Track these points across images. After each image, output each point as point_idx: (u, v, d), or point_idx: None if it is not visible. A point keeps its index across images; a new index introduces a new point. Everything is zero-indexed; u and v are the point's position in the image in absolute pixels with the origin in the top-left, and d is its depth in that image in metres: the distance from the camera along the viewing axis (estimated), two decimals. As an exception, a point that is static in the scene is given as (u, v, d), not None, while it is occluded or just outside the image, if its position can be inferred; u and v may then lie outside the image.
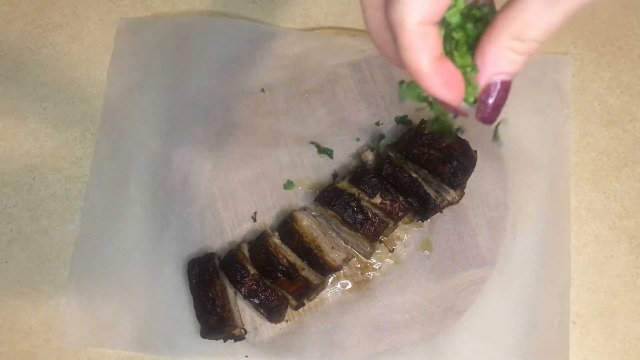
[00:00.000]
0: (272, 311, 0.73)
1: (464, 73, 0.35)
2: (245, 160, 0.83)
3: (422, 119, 0.77)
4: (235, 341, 0.75)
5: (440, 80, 0.33)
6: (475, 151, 0.77)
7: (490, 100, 0.34)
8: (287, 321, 0.77)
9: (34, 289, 0.80)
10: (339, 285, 0.79)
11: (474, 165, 0.76)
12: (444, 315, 0.77)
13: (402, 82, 0.38)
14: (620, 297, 0.78)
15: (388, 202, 0.74)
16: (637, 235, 0.80)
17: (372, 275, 0.79)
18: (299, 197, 0.82)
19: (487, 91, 0.34)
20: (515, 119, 0.84)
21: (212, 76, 0.87)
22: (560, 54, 0.87)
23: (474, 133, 0.80)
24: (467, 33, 0.35)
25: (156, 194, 0.83)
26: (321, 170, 0.83)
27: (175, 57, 0.88)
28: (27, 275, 0.81)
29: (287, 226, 0.76)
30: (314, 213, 0.78)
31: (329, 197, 0.75)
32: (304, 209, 0.79)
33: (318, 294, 0.78)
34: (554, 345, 0.76)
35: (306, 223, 0.75)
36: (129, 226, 0.82)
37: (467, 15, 0.35)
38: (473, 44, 0.35)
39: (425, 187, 0.75)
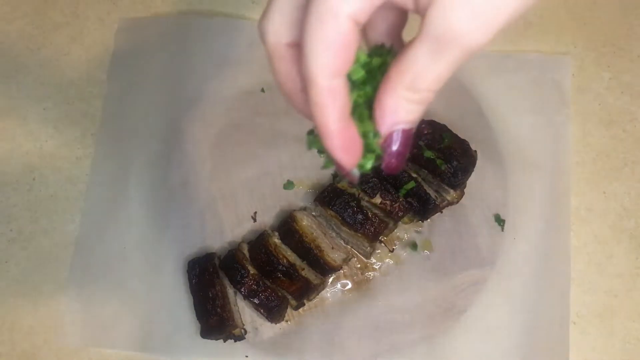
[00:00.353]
0: (272, 311, 0.73)
1: (366, 139, 0.35)
2: (245, 160, 0.83)
3: (422, 119, 0.77)
4: (235, 341, 0.75)
5: (341, 142, 0.33)
6: (475, 151, 0.77)
7: (394, 149, 0.35)
8: (287, 321, 0.77)
9: (34, 289, 0.80)
10: (339, 285, 0.79)
11: (474, 165, 0.76)
12: (444, 315, 0.77)
13: (310, 132, 0.39)
14: (620, 297, 0.78)
15: (388, 202, 0.74)
16: (637, 235, 0.80)
17: (372, 275, 0.79)
18: (299, 197, 0.82)
19: (389, 141, 0.34)
20: (515, 119, 0.84)
21: (212, 76, 0.87)
22: (560, 54, 0.87)
23: (474, 133, 0.80)
24: (366, 93, 0.35)
25: (156, 194, 0.83)
26: (321, 170, 0.83)
27: (175, 57, 0.88)
28: (27, 275, 0.81)
29: (287, 226, 0.76)
30: (314, 213, 0.78)
31: (329, 197, 0.75)
32: (304, 209, 0.79)
33: (318, 294, 0.78)
34: (554, 345, 0.76)
35: (306, 223, 0.75)
36: (129, 226, 0.82)
37: (370, 66, 0.35)
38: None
39: (425, 187, 0.75)
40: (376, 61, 0.35)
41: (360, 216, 0.73)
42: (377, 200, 0.74)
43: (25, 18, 0.91)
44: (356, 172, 0.36)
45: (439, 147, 0.74)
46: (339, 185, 0.76)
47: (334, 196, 0.74)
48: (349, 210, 0.73)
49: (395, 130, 0.34)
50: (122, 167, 0.84)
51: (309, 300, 0.77)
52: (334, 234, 0.77)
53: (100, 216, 0.82)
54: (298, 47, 0.34)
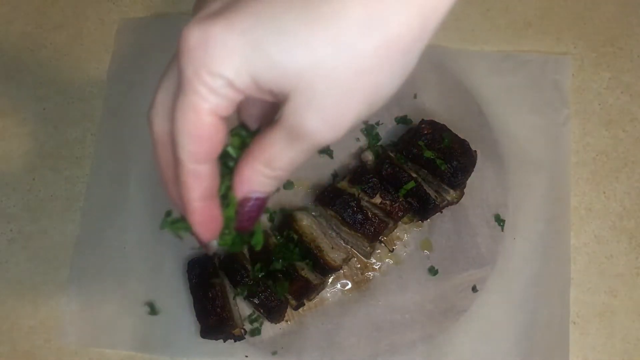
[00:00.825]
0: (272, 311, 0.73)
1: (227, 220, 0.38)
2: (245, 160, 0.83)
3: (422, 119, 0.77)
4: (235, 341, 0.75)
5: (200, 219, 0.37)
6: (475, 151, 0.77)
7: (245, 213, 0.38)
8: (287, 321, 0.77)
9: (34, 289, 0.80)
10: (339, 285, 0.79)
11: (474, 165, 0.76)
12: (444, 315, 0.77)
13: (168, 214, 0.43)
14: (620, 297, 0.78)
15: (388, 202, 0.74)
16: (637, 235, 0.80)
17: (372, 275, 0.79)
18: (299, 197, 0.82)
19: (243, 205, 0.38)
20: (515, 119, 0.84)
21: (212, 76, 0.86)
22: (560, 54, 0.87)
23: (474, 133, 0.80)
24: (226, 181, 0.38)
25: (156, 194, 0.83)
26: (321, 170, 0.83)
27: (175, 57, 0.88)
28: (27, 275, 0.81)
29: (287, 226, 0.76)
30: (314, 213, 0.78)
31: (329, 197, 0.75)
32: (304, 209, 0.79)
33: (318, 294, 0.78)
34: (554, 345, 0.76)
35: (306, 223, 0.75)
36: (129, 226, 0.82)
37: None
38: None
39: (425, 187, 0.75)
40: (236, 141, 0.38)
41: (360, 216, 0.73)
42: (377, 200, 0.74)
43: (25, 18, 0.91)
44: (214, 245, 0.40)
45: (439, 147, 0.74)
46: (339, 185, 0.76)
47: (334, 196, 0.74)
48: (348, 210, 0.73)
49: (248, 197, 0.37)
50: (122, 167, 0.84)
51: (309, 300, 0.77)
52: (334, 234, 0.77)
53: (100, 216, 0.82)
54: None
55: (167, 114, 0.36)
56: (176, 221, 0.42)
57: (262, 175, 0.36)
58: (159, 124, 0.37)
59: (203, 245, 0.40)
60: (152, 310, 0.78)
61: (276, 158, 0.35)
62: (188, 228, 0.39)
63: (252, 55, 0.30)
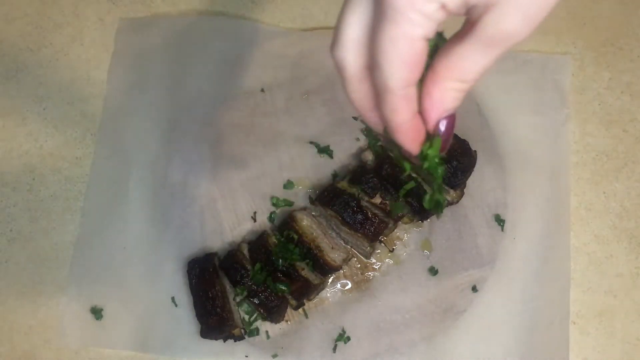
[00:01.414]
0: (272, 311, 0.73)
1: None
2: (245, 160, 0.83)
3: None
4: (235, 341, 0.75)
5: (411, 135, 0.39)
6: (475, 151, 0.77)
7: (443, 135, 0.40)
8: (287, 321, 0.77)
9: (34, 289, 0.80)
10: (339, 285, 0.79)
11: (473, 165, 0.76)
12: (444, 315, 0.77)
13: (366, 128, 0.44)
14: (620, 297, 0.78)
15: (388, 202, 0.74)
16: (637, 235, 0.80)
17: (372, 275, 0.79)
18: (299, 197, 0.82)
19: (436, 127, 0.39)
20: (515, 119, 0.84)
21: (212, 76, 0.87)
22: (560, 54, 0.87)
23: (473, 133, 0.80)
24: None
25: (156, 194, 0.83)
26: (321, 170, 0.83)
27: (175, 57, 0.88)
28: (27, 275, 0.81)
29: (287, 226, 0.76)
30: (314, 213, 0.78)
31: (329, 197, 0.75)
32: (304, 209, 0.79)
33: (318, 294, 0.78)
34: (554, 345, 0.76)
35: (306, 223, 0.75)
36: (129, 226, 0.82)
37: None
38: None
39: (425, 187, 0.75)
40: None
41: (360, 216, 0.73)
42: (377, 200, 0.74)
43: (25, 18, 0.91)
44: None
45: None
46: (339, 185, 0.76)
47: (333, 196, 0.74)
48: (348, 210, 0.73)
49: (441, 119, 0.39)
50: (122, 167, 0.84)
51: (309, 300, 0.77)
52: (334, 234, 0.77)
53: (100, 216, 0.82)
54: (369, 68, 0.38)
55: (360, 48, 0.37)
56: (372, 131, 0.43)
57: (453, 91, 0.37)
58: (353, 60, 0.38)
59: (409, 156, 0.41)
60: (152, 310, 0.78)
61: (469, 70, 0.36)
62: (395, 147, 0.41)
63: None
